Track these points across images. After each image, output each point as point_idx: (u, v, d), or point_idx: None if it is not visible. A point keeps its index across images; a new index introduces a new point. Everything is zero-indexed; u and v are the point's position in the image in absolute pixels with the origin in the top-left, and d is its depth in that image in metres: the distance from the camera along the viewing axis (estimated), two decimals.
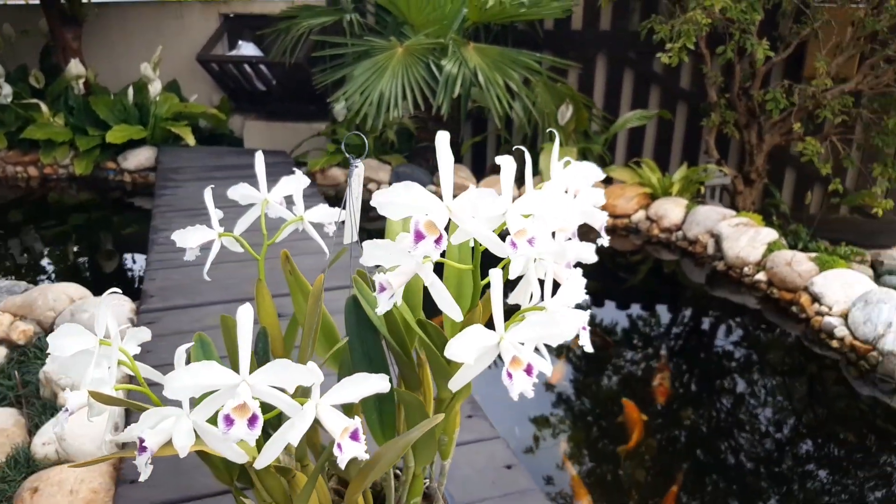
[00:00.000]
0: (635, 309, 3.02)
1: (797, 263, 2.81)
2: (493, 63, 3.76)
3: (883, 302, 2.38)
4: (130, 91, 4.63)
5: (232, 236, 1.18)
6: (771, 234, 3.05)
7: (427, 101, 3.76)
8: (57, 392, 2.04)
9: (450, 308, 0.87)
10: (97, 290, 2.56)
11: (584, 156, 4.02)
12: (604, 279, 3.27)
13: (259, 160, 1.22)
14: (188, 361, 1.01)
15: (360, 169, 0.99)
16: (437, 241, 0.78)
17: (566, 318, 0.83)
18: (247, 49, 5.11)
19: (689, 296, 3.22)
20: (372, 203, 0.88)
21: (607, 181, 4.09)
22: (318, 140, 4.74)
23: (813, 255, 2.87)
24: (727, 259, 3.10)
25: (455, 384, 0.87)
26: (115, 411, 0.88)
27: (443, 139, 0.82)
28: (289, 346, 1.21)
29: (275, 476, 0.89)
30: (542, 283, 0.91)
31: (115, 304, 2.37)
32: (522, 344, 0.83)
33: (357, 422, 0.76)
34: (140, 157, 4.46)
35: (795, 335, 2.68)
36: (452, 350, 0.80)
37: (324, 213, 1.21)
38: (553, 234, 0.88)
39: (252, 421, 0.70)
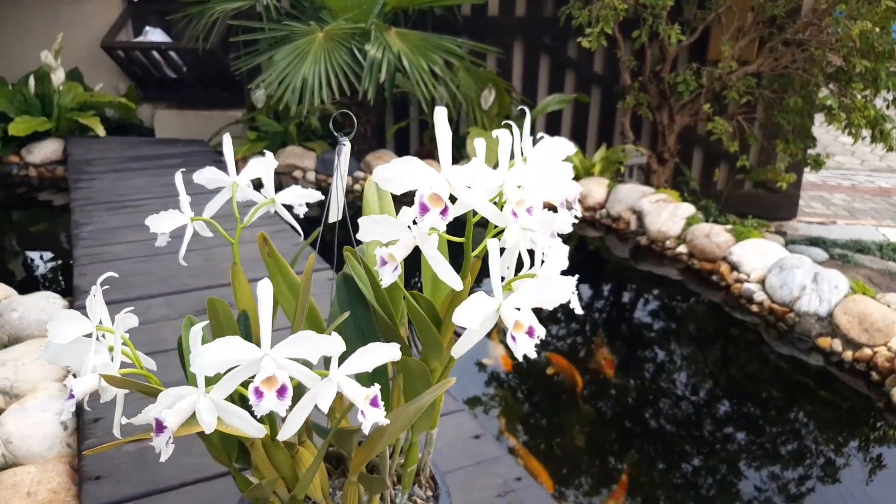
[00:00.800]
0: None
1: (715, 235, 2.99)
2: (415, 48, 3.78)
3: (796, 267, 2.57)
4: (32, 80, 4.37)
5: (205, 220, 1.17)
6: (689, 209, 3.23)
7: (351, 86, 3.75)
8: None
9: (450, 278, 0.90)
10: (21, 289, 2.43)
11: None
12: None
13: (227, 143, 1.21)
14: (179, 346, 1.01)
15: (347, 147, 1.01)
16: (443, 212, 0.81)
17: (562, 283, 0.88)
18: (154, 35, 4.91)
19: (615, 270, 3.36)
20: (373, 179, 0.90)
21: None
22: (235, 128, 4.62)
23: (729, 226, 3.06)
24: (649, 234, 3.26)
25: (458, 350, 0.90)
26: (119, 396, 0.87)
27: (441, 114, 0.85)
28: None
29: (283, 451, 0.91)
30: (530, 253, 0.96)
31: (46, 302, 2.26)
32: (519, 309, 0.88)
33: (376, 388, 0.79)
34: (46, 150, 4.23)
35: (717, 302, 2.86)
36: (460, 316, 0.84)
37: (295, 195, 1.21)
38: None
39: (281, 392, 0.72)
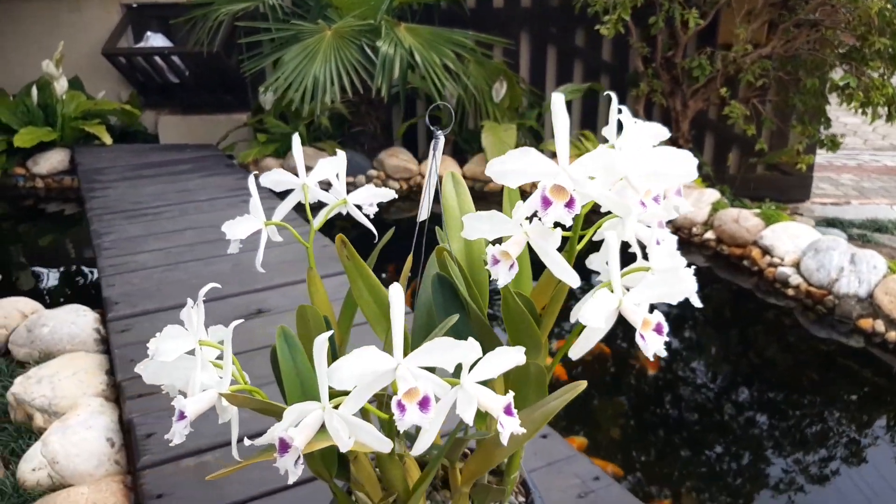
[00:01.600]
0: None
1: (744, 220, 2.96)
2: (426, 42, 3.73)
3: (832, 249, 2.54)
4: (34, 91, 4.29)
5: (279, 224, 1.12)
6: (714, 195, 3.20)
7: (362, 84, 3.69)
8: (32, 413, 1.88)
9: (568, 275, 0.86)
10: (48, 303, 2.37)
11: (521, 131, 4.06)
12: None
13: (296, 144, 1.17)
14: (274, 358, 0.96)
15: (441, 142, 0.96)
16: (569, 204, 0.77)
17: (687, 276, 0.84)
18: (155, 40, 4.84)
19: None
20: (487, 173, 0.85)
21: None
22: (242, 131, 4.56)
23: (757, 210, 3.03)
24: (675, 221, 3.22)
25: (578, 351, 0.86)
26: (234, 413, 0.83)
27: (558, 100, 0.80)
28: (344, 333, 1.16)
29: (398, 464, 0.86)
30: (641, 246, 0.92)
31: (76, 315, 2.20)
32: (637, 305, 0.84)
33: (511, 396, 0.74)
34: (52, 161, 4.15)
35: (749, 288, 2.83)
36: (586, 314, 0.79)
37: (368, 194, 1.17)
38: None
39: (424, 404, 0.67)
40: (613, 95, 0.89)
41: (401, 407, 0.67)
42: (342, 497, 0.96)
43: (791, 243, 2.73)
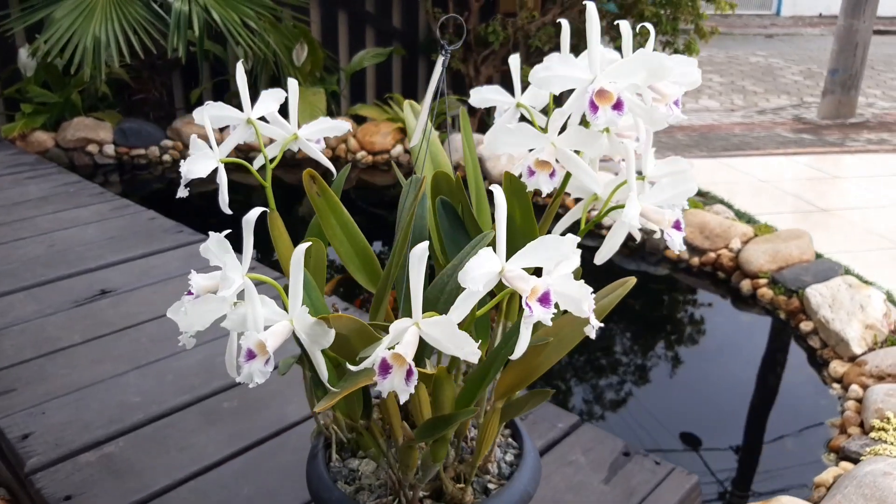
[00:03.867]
0: None
1: None
2: (223, 0, 3.48)
3: None
4: None
5: (238, 161, 1.02)
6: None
7: (154, 44, 3.35)
8: None
9: (592, 182, 0.89)
10: None
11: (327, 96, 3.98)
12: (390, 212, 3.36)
13: (240, 71, 1.06)
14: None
15: (447, 59, 0.93)
16: (617, 107, 0.80)
17: (690, 178, 0.92)
18: None
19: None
20: (530, 79, 0.85)
21: (359, 119, 4.12)
22: None
23: None
24: (491, 178, 3.40)
25: (603, 257, 0.90)
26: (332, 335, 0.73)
27: (591, 9, 0.82)
28: (320, 278, 1.09)
29: (451, 383, 0.83)
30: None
31: None
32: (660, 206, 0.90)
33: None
34: None
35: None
36: (631, 216, 0.84)
37: (320, 127, 1.10)
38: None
39: (544, 300, 0.67)
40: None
41: (535, 305, 0.66)
42: (368, 439, 0.91)
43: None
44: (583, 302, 0.71)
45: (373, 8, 4.50)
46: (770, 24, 12.33)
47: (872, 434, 1.71)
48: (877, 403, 1.77)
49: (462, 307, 0.69)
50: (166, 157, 3.72)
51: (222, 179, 0.99)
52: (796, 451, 1.87)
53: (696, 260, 2.72)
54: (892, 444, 1.64)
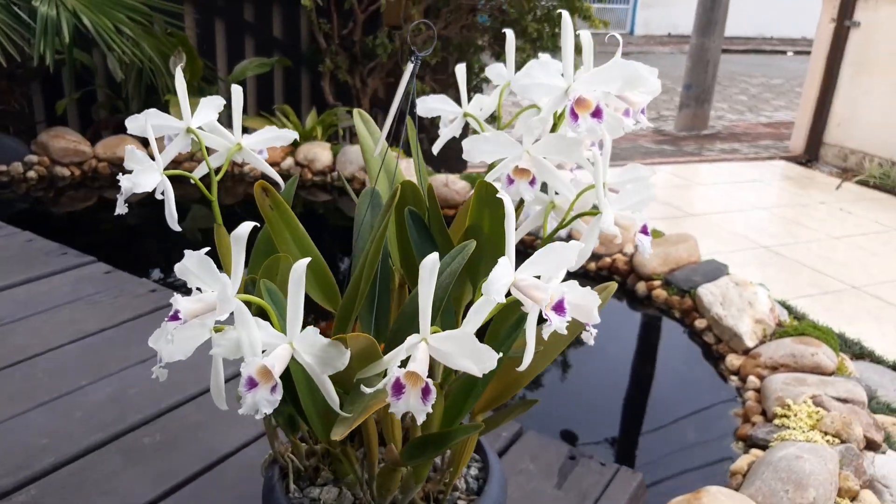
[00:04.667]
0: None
1: (452, 184, 3.24)
2: (92, 4, 3.24)
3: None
4: None
5: (182, 174, 0.94)
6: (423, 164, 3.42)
7: (6, 53, 3.06)
8: None
9: (567, 189, 0.89)
10: None
11: None
12: None
13: (179, 74, 1.00)
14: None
15: (418, 65, 0.90)
16: (596, 114, 0.81)
17: (651, 185, 0.94)
18: None
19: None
20: (515, 88, 0.84)
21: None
22: None
23: (456, 175, 3.33)
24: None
25: (577, 262, 0.91)
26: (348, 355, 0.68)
27: (566, 19, 0.83)
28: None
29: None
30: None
31: None
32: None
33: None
34: None
35: None
36: (606, 221, 0.85)
37: (265, 137, 1.05)
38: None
39: (559, 308, 0.66)
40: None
41: (551, 314, 0.65)
42: (346, 464, 0.86)
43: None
44: (592, 309, 0.71)
45: (252, 17, 4.36)
46: (625, 42, 13.12)
47: (776, 421, 1.83)
48: (777, 392, 1.91)
49: (476, 319, 0.67)
50: (31, 174, 3.40)
51: (168, 193, 0.91)
52: (706, 441, 1.98)
53: (592, 265, 2.83)
54: (795, 429, 1.77)
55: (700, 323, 2.42)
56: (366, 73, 4.29)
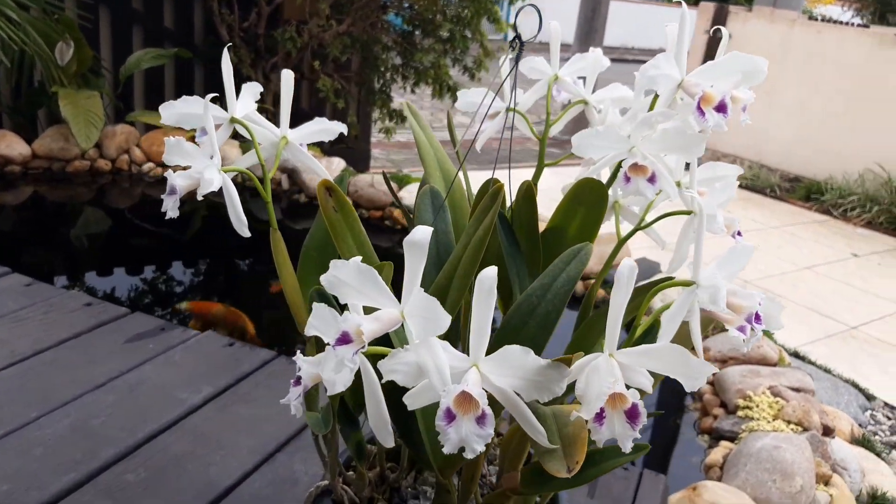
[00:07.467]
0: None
1: (378, 184, 3.14)
2: None
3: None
4: None
5: (238, 170, 0.83)
6: (341, 163, 3.29)
7: None
8: None
9: (671, 186, 0.85)
10: None
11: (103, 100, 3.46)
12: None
13: (226, 59, 0.88)
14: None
15: (519, 52, 0.83)
16: (720, 108, 0.78)
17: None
18: None
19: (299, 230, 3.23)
20: (638, 77, 0.79)
21: (141, 127, 3.64)
22: None
23: (392, 174, 3.24)
24: (307, 191, 3.21)
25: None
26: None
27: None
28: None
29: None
30: None
31: None
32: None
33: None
34: None
35: (392, 246, 3.02)
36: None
37: (315, 130, 0.95)
38: None
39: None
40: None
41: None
42: (445, 496, 0.77)
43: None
44: (778, 316, 0.67)
45: (141, 6, 4.03)
46: (496, 48, 13.46)
47: (740, 413, 1.90)
48: (736, 384, 1.98)
49: (670, 327, 0.61)
50: None
51: (233, 193, 0.79)
52: (670, 435, 2.02)
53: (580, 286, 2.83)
54: (759, 419, 1.84)
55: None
56: (268, 68, 4.09)
